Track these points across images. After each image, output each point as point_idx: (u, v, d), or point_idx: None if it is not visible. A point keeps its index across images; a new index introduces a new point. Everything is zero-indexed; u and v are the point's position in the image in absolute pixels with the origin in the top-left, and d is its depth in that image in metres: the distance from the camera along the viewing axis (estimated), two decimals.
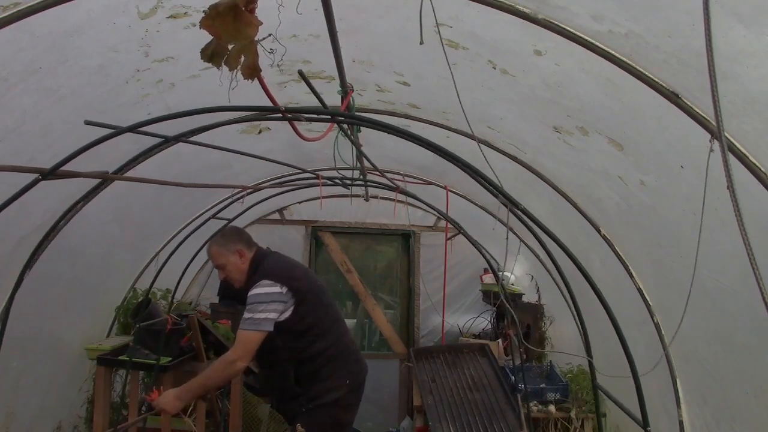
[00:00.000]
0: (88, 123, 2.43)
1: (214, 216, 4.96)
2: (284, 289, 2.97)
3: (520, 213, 2.36)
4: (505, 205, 2.39)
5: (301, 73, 2.09)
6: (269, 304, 2.92)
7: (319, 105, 2.45)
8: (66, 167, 2.19)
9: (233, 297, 5.40)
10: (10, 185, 2.58)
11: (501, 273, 4.92)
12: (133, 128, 2.40)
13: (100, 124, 2.42)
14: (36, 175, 2.13)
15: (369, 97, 3.40)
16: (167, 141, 2.61)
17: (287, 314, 3.00)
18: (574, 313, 3.12)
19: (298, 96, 3.19)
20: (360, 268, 6.93)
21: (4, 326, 3.11)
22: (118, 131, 2.35)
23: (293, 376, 3.11)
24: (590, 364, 3.14)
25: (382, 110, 3.55)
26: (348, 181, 5.03)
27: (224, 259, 3.13)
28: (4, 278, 3.16)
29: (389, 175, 4.61)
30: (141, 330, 4.10)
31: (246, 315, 2.93)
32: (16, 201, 2.51)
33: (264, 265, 3.10)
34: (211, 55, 1.25)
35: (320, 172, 4.59)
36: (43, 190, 2.57)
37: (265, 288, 2.95)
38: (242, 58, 1.26)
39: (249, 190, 4.64)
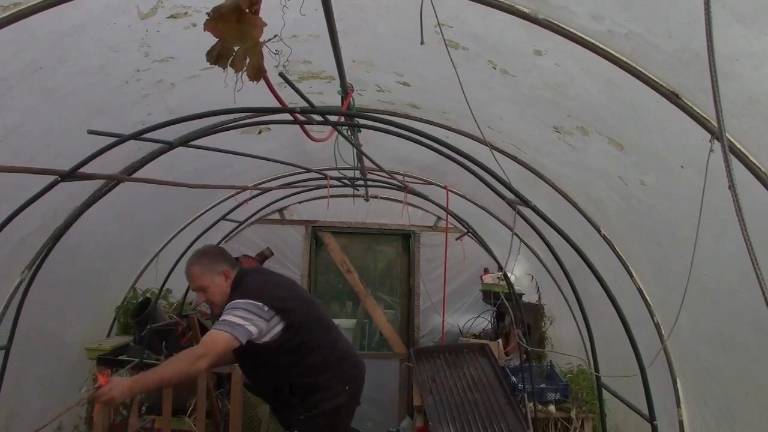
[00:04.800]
0: (91, 132, 2.43)
1: (223, 217, 4.95)
2: (266, 308, 2.79)
3: (530, 210, 2.37)
4: (512, 205, 2.40)
5: (282, 75, 2.05)
6: (249, 313, 2.73)
7: (327, 105, 2.46)
8: (78, 169, 2.22)
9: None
10: (17, 187, 2.60)
11: (500, 273, 4.92)
12: (137, 135, 2.42)
13: (105, 133, 2.42)
14: (54, 177, 2.15)
15: (369, 97, 3.40)
16: (171, 147, 2.60)
17: (274, 333, 2.84)
18: (578, 310, 3.12)
19: (298, 96, 3.19)
20: (360, 268, 6.93)
21: (14, 326, 3.12)
22: (122, 139, 2.37)
23: (288, 389, 2.97)
24: (594, 361, 3.15)
25: (383, 110, 3.55)
26: (352, 181, 5.04)
27: (207, 281, 2.89)
28: (4, 279, 3.16)
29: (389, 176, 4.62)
30: (151, 331, 4.09)
31: (222, 317, 2.72)
32: (17, 202, 2.53)
33: (245, 284, 2.91)
34: (217, 57, 1.25)
35: (322, 173, 4.59)
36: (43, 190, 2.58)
37: (245, 300, 2.78)
38: (247, 60, 1.26)
39: (255, 191, 4.64)
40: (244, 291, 2.85)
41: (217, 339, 2.63)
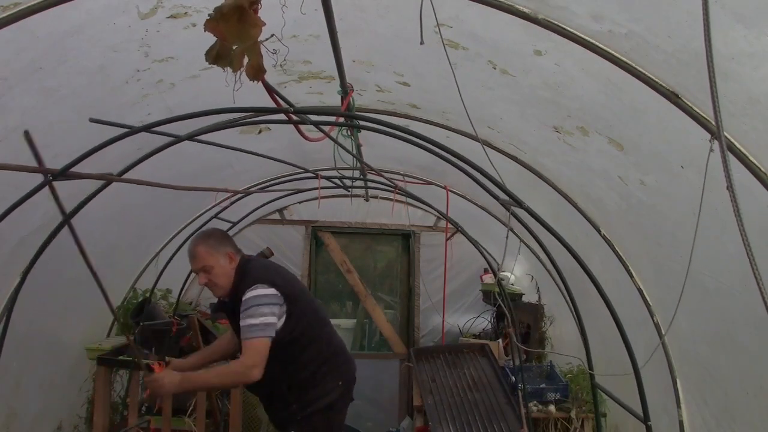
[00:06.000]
0: (93, 121, 2.42)
1: (216, 216, 4.97)
2: (277, 293, 2.81)
3: (523, 211, 2.37)
4: (505, 206, 2.40)
5: (268, 85, 2.00)
6: (268, 307, 2.75)
7: (325, 105, 2.46)
8: (73, 167, 2.21)
9: None
10: (16, 188, 2.60)
11: (500, 273, 4.92)
12: (147, 128, 2.42)
13: (112, 123, 2.42)
14: (46, 176, 2.13)
15: (369, 97, 3.40)
16: (179, 140, 2.60)
17: (281, 322, 2.85)
18: (573, 312, 3.13)
19: (298, 96, 3.20)
20: (360, 268, 6.93)
21: (6, 327, 3.11)
22: (132, 131, 2.36)
23: (286, 384, 2.96)
24: (589, 362, 3.15)
25: (382, 110, 3.55)
26: (348, 182, 5.03)
27: (213, 261, 2.87)
28: (5, 279, 3.16)
29: (389, 175, 4.62)
30: (143, 329, 4.09)
31: (250, 321, 2.72)
32: (18, 201, 2.53)
33: (251, 270, 2.91)
34: (216, 56, 1.25)
35: (321, 172, 4.60)
36: (44, 190, 2.58)
37: (261, 290, 2.77)
38: (246, 59, 1.26)
39: (240, 194, 4.64)
40: (254, 277, 2.84)
41: (262, 347, 2.69)
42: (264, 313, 2.73)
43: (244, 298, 2.77)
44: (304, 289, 3.22)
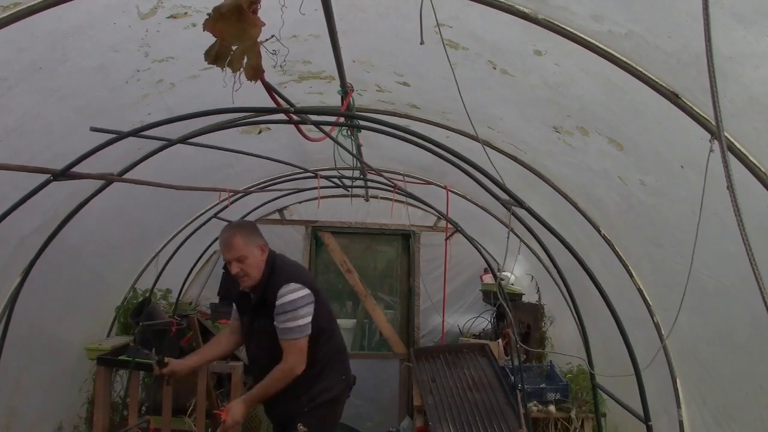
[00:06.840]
0: (93, 129, 2.44)
1: (216, 216, 4.97)
2: (310, 293, 2.94)
3: (523, 211, 2.37)
4: (506, 206, 2.40)
5: (268, 85, 2.01)
6: (304, 309, 2.88)
7: (325, 105, 2.46)
8: (74, 167, 2.22)
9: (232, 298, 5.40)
10: (16, 188, 2.60)
11: (500, 273, 4.92)
12: (136, 132, 2.42)
13: (105, 130, 2.43)
14: (47, 176, 2.14)
15: (369, 97, 3.40)
16: (171, 144, 2.60)
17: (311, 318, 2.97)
18: (574, 312, 3.13)
19: (298, 96, 3.20)
20: (360, 268, 6.93)
21: (7, 326, 3.11)
22: (122, 135, 2.36)
23: (297, 379, 3.00)
24: (589, 362, 3.15)
25: (382, 110, 3.55)
26: (348, 182, 5.03)
27: (248, 251, 2.91)
28: (6, 278, 3.16)
29: (389, 175, 4.62)
30: (143, 329, 4.09)
31: (289, 324, 2.86)
32: (15, 201, 2.53)
33: (282, 267, 3.02)
34: (215, 56, 1.25)
35: (320, 172, 4.60)
36: (45, 190, 2.58)
37: (298, 293, 2.88)
38: (245, 59, 1.26)
39: (240, 194, 4.64)
40: (286, 275, 2.95)
41: (301, 348, 2.91)
42: (302, 315, 2.88)
43: (281, 301, 2.87)
44: (316, 285, 3.29)
